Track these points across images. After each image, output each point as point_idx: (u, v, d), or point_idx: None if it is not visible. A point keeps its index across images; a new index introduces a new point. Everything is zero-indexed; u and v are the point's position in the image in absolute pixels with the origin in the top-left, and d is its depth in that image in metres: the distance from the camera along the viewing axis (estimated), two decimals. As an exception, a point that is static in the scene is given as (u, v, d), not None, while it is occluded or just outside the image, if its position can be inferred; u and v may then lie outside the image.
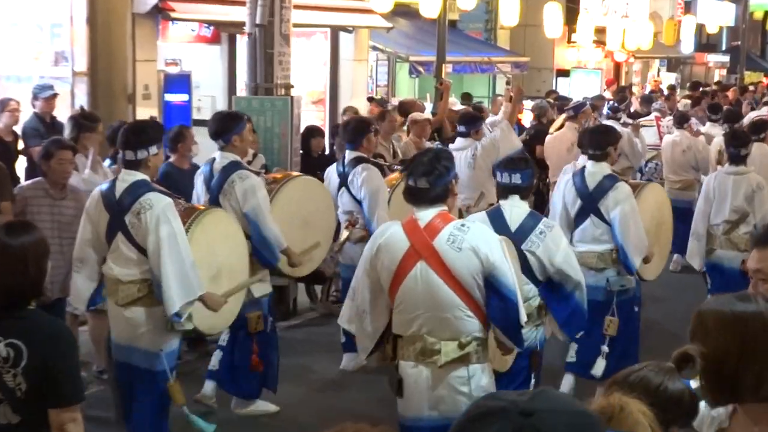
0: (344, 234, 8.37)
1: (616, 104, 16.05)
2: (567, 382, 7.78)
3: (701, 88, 22.05)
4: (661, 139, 14.22)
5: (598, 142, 7.58)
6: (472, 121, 10.31)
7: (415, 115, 11.64)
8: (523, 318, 4.78)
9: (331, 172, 8.50)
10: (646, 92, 22.99)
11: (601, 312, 7.32)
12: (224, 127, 7.18)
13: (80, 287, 6.29)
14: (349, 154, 8.34)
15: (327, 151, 11.59)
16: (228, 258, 6.66)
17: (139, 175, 6.03)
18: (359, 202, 8.19)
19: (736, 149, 8.93)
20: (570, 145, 11.55)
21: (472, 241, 4.68)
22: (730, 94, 22.70)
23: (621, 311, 7.47)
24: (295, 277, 8.72)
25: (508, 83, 15.58)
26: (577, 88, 23.52)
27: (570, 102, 14.08)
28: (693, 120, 14.01)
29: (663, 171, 13.51)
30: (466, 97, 17.11)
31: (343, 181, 8.28)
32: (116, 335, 6.25)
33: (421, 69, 18.39)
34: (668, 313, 10.19)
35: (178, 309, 5.91)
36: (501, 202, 5.98)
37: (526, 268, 5.71)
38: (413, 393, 4.90)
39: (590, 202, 7.43)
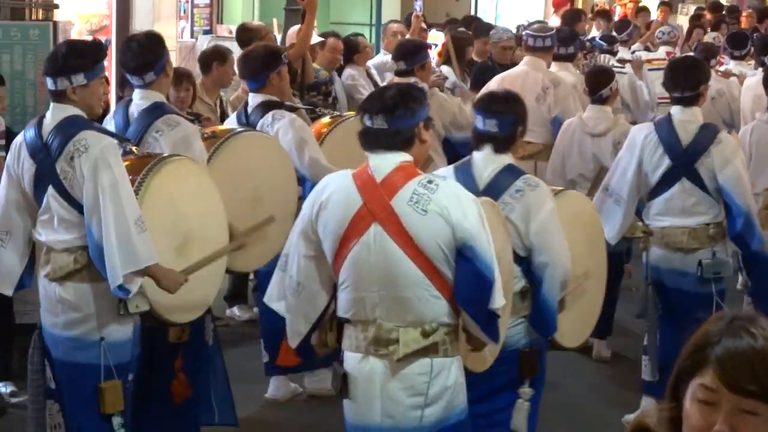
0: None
1: (614, 32, 11.53)
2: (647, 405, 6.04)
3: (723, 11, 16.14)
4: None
5: (688, 79, 5.92)
6: (412, 51, 7.60)
7: None
8: (498, 302, 3.97)
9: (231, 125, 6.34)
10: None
11: (693, 307, 5.62)
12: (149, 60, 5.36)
13: (7, 265, 5.04)
14: (252, 98, 6.29)
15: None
16: (200, 223, 5.13)
17: (71, 110, 4.84)
18: None
19: None
20: (541, 91, 8.01)
21: (441, 201, 3.94)
22: (743, 20, 15.75)
23: (718, 308, 5.79)
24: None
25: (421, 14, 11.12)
26: (508, 12, 17.56)
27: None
28: (727, 59, 10.67)
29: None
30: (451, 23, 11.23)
31: None
32: (47, 320, 4.98)
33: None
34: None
35: (122, 280, 4.63)
36: (473, 153, 4.84)
37: None
38: (362, 394, 4.09)
39: (684, 161, 5.86)
